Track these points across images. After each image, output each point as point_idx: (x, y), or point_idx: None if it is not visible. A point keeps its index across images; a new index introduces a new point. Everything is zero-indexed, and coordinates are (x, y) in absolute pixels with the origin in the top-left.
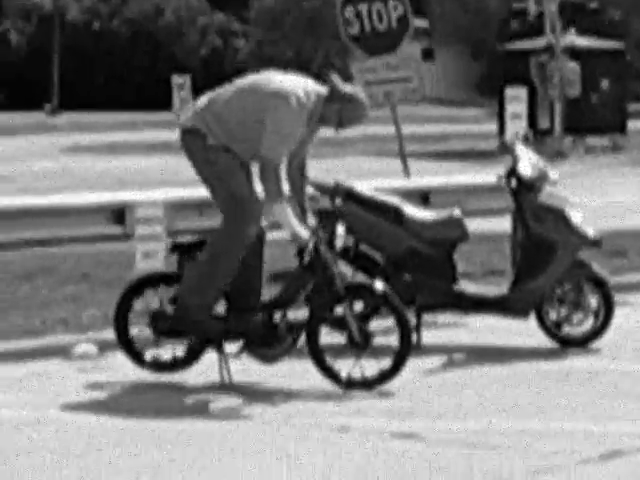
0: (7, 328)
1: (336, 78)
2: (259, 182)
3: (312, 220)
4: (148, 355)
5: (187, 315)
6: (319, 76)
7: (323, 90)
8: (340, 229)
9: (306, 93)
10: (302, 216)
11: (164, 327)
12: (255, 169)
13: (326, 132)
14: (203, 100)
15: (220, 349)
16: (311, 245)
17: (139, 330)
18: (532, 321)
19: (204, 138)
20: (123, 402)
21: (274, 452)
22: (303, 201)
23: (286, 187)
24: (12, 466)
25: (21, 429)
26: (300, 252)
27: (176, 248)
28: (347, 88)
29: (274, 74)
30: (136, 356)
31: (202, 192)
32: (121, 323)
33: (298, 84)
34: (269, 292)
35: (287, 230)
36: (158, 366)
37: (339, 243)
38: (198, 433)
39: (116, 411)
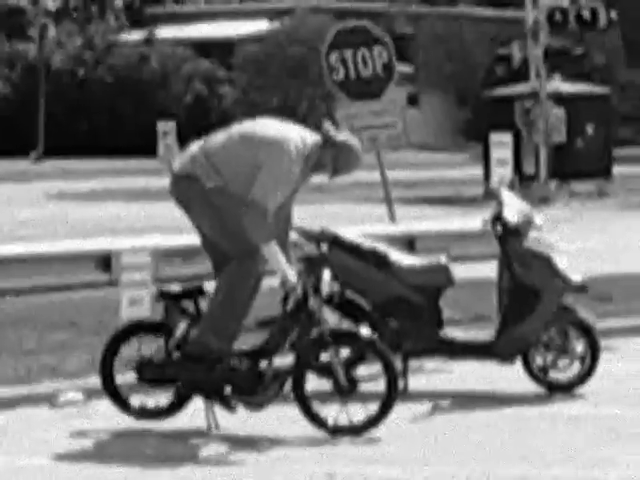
0: None
1: (329, 126)
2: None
3: (297, 267)
4: (134, 402)
5: (206, 355)
6: (305, 122)
7: (318, 138)
8: (326, 275)
9: (303, 140)
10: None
11: (150, 375)
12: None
13: (329, 179)
14: (195, 147)
15: (207, 396)
16: (299, 290)
17: (125, 378)
18: (518, 366)
19: (200, 183)
20: (108, 450)
21: None
22: (287, 249)
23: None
24: None
25: (6, 477)
26: (285, 299)
27: (163, 296)
28: (341, 136)
29: (269, 121)
30: (122, 403)
31: (187, 239)
32: (107, 370)
33: (294, 131)
34: (255, 339)
35: (276, 271)
36: (144, 413)
37: (325, 289)
38: None
39: (101, 459)
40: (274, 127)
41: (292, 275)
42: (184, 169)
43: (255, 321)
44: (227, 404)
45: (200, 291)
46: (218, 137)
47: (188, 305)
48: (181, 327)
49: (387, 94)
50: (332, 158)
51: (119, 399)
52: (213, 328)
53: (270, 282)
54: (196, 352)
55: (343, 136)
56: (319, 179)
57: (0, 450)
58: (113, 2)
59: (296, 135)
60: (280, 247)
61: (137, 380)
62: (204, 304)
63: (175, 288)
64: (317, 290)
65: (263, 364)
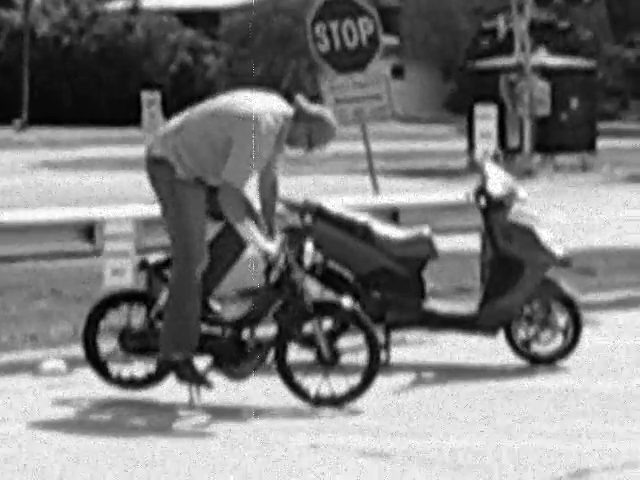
0: None
1: (302, 99)
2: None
3: (280, 238)
4: (116, 371)
5: (174, 368)
6: (288, 94)
7: (290, 111)
8: (309, 246)
9: (274, 115)
10: (271, 234)
11: (132, 345)
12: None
13: (305, 153)
14: (172, 125)
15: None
16: (280, 261)
17: (108, 347)
18: (501, 339)
19: (172, 170)
20: (90, 419)
21: (240, 470)
22: (272, 220)
23: (257, 206)
24: None
25: None
26: (268, 270)
27: (145, 266)
28: (314, 108)
29: (242, 95)
30: (104, 372)
31: None
32: (90, 339)
33: (266, 106)
34: (237, 310)
35: (255, 248)
36: (126, 382)
37: (307, 260)
38: (164, 451)
39: (83, 428)
40: (245, 102)
41: (272, 248)
42: (157, 152)
43: (237, 291)
44: (204, 382)
45: None
46: (191, 115)
47: (170, 274)
48: (163, 297)
49: (372, 66)
50: (305, 132)
51: (101, 368)
52: (171, 340)
53: (252, 252)
54: (164, 368)
55: (316, 109)
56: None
57: None
58: None
59: (268, 110)
60: (265, 218)
61: (120, 350)
62: None
63: (156, 257)
64: (300, 261)
65: (245, 334)
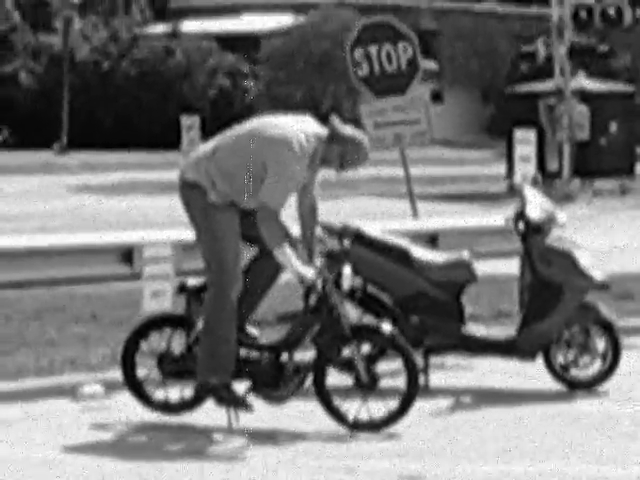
0: (16, 367)
1: (336, 120)
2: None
3: (319, 261)
4: (156, 396)
5: (212, 392)
6: (327, 118)
7: (323, 132)
8: (347, 270)
9: (307, 136)
10: (310, 258)
11: (171, 368)
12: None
13: (337, 174)
14: (205, 149)
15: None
16: (318, 286)
17: (147, 371)
18: (539, 364)
19: (204, 194)
20: (127, 443)
21: None
22: (312, 243)
23: (295, 230)
24: None
25: (25, 468)
26: (307, 293)
27: (183, 289)
28: (347, 130)
29: (274, 118)
30: (143, 396)
31: None
32: (128, 363)
33: (298, 128)
34: (276, 333)
35: (291, 273)
36: (165, 407)
37: (346, 284)
38: (199, 475)
39: (120, 452)
40: (278, 124)
41: (309, 273)
42: (190, 176)
43: (276, 316)
44: (243, 404)
45: None
46: (225, 138)
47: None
48: (201, 320)
49: (411, 90)
50: (339, 153)
51: (140, 392)
52: (208, 364)
53: (290, 277)
54: (201, 393)
55: (349, 130)
56: (342, 174)
57: (21, 441)
58: None
59: (300, 131)
60: (305, 242)
61: (159, 374)
62: None
63: (195, 281)
64: (338, 285)
65: (284, 358)
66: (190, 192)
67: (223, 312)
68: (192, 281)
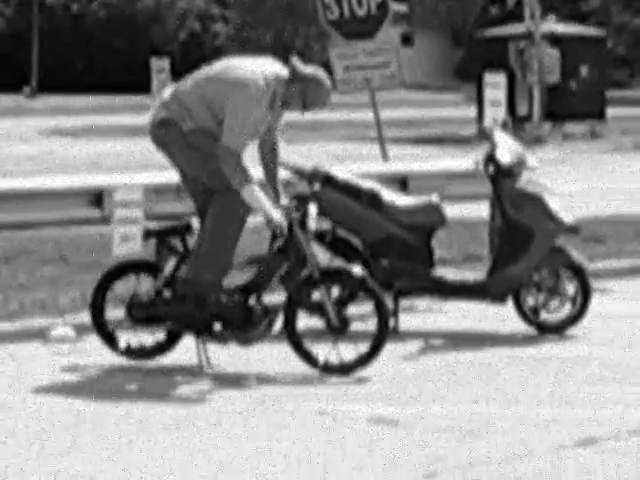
0: None
1: (296, 60)
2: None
3: (285, 202)
4: (124, 340)
5: (199, 292)
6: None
7: (283, 73)
8: (312, 210)
9: (265, 79)
10: (276, 200)
11: (140, 314)
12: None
13: (306, 116)
14: (166, 94)
15: (199, 333)
16: (285, 227)
17: (116, 315)
18: (509, 307)
19: (178, 126)
20: (98, 386)
21: (248, 437)
22: (276, 185)
23: (259, 172)
24: None
25: None
26: (274, 236)
27: (150, 234)
28: (307, 69)
29: (236, 60)
30: (111, 341)
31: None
32: (98, 308)
33: (257, 70)
34: (244, 276)
35: (260, 213)
36: (134, 352)
37: (312, 224)
38: (171, 417)
39: (89, 393)
40: (236, 68)
41: (276, 213)
42: (159, 115)
43: (244, 259)
44: (218, 338)
45: (188, 228)
46: (187, 82)
47: (176, 243)
48: (169, 265)
49: (381, 34)
50: (299, 92)
51: (109, 337)
52: (204, 262)
53: (258, 220)
54: (188, 290)
55: (310, 69)
56: (311, 116)
57: None
58: None
59: (259, 74)
60: (269, 184)
61: (128, 319)
62: (192, 241)
63: (162, 226)
64: (304, 225)
65: (252, 300)
66: (163, 129)
67: (234, 211)
68: (158, 226)
